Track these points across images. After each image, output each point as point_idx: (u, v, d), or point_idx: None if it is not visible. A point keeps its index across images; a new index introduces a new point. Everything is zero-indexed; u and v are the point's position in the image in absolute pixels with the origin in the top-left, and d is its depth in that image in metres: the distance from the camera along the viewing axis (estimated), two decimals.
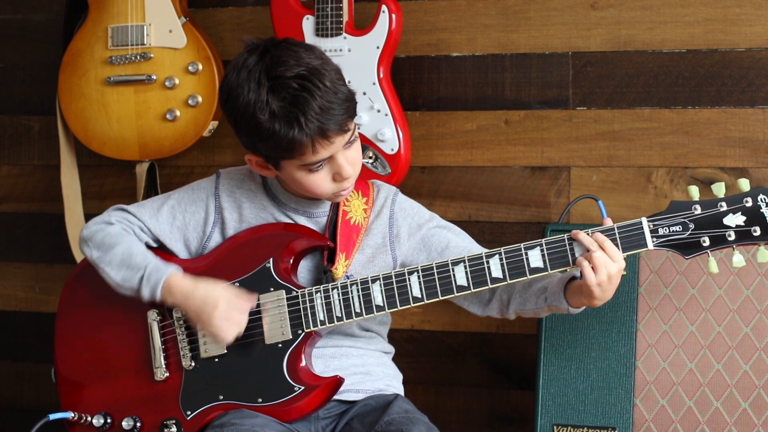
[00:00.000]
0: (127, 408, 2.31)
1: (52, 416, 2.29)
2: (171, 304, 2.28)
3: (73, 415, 2.33)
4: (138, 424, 2.30)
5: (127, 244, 2.30)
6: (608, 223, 2.18)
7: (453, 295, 2.21)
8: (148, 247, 2.35)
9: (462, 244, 2.35)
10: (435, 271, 2.20)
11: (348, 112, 2.17)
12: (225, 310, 2.22)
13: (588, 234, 2.15)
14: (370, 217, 2.36)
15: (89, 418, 2.32)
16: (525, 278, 2.19)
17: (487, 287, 2.19)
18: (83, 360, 2.36)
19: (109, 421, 2.32)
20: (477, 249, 2.34)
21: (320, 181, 2.22)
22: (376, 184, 2.42)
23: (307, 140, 2.13)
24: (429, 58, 3.01)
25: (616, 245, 2.15)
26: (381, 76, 2.87)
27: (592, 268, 2.12)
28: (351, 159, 2.22)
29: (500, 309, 2.33)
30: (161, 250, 2.37)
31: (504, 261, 2.18)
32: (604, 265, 2.12)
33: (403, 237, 2.36)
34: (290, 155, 2.17)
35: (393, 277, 2.22)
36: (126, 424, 2.30)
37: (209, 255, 2.33)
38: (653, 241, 2.14)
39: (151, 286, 2.25)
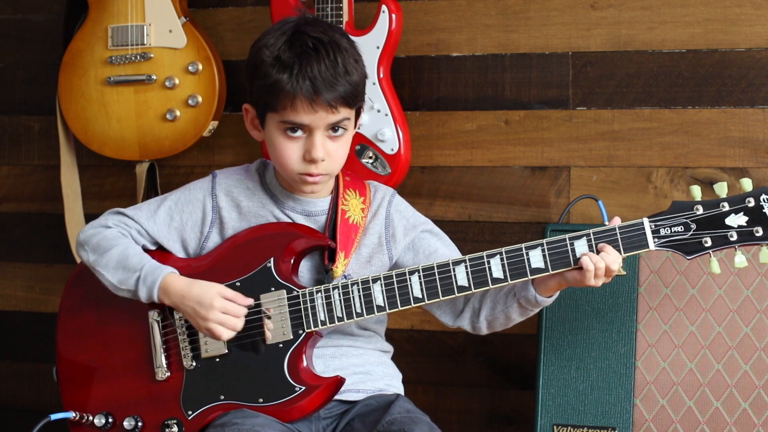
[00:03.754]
0: (129, 408, 2.31)
1: (54, 416, 2.29)
2: (168, 304, 2.28)
3: (74, 414, 2.33)
4: (139, 424, 2.30)
5: (123, 246, 2.30)
6: (617, 221, 2.17)
7: (454, 296, 2.21)
8: (146, 250, 2.35)
9: (449, 254, 2.34)
10: (436, 270, 2.20)
11: (345, 95, 2.19)
12: (221, 305, 2.22)
13: (589, 236, 2.15)
14: (368, 216, 2.36)
15: (91, 418, 2.32)
16: (526, 279, 2.18)
17: (488, 288, 2.19)
18: (85, 360, 2.36)
19: (110, 420, 2.32)
20: None
21: (290, 152, 2.22)
22: (373, 185, 2.42)
23: (290, 90, 2.16)
24: (429, 58, 3.01)
25: (617, 246, 2.14)
26: (381, 76, 2.87)
27: (595, 275, 2.13)
28: (328, 147, 2.22)
29: (471, 319, 2.32)
30: (160, 252, 2.36)
31: (505, 261, 2.18)
32: (607, 267, 2.13)
33: (399, 236, 2.36)
34: (273, 103, 2.19)
35: (394, 277, 2.22)
36: (127, 423, 2.30)
37: (210, 254, 2.33)
38: (655, 242, 2.14)
39: (147, 286, 2.25)
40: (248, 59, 2.26)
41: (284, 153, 2.23)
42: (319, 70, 2.16)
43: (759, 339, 2.50)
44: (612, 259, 2.13)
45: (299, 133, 2.21)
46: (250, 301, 2.25)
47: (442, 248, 2.36)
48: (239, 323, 2.23)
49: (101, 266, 2.30)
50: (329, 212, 2.34)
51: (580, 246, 2.16)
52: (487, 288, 2.19)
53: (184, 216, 2.36)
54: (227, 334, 2.22)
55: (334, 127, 2.22)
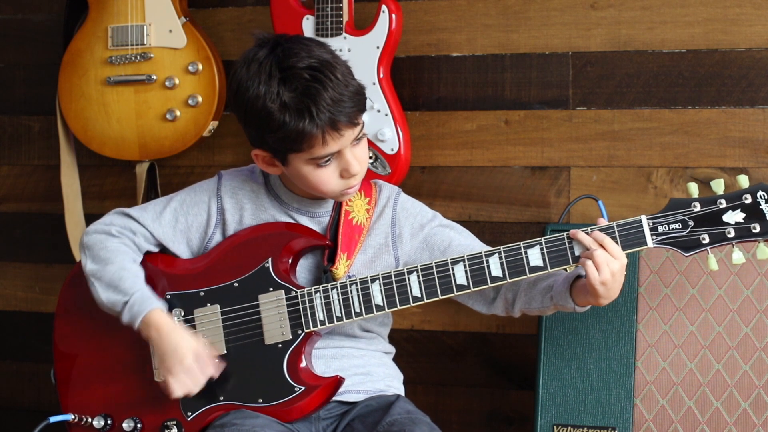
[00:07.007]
0: (128, 409, 2.31)
1: (53, 419, 2.29)
2: (145, 337, 2.27)
3: (73, 417, 2.32)
4: (138, 425, 2.30)
5: (119, 263, 2.28)
6: (603, 222, 2.18)
7: (453, 294, 2.21)
8: (150, 253, 2.36)
9: (465, 242, 2.34)
10: (434, 270, 2.20)
11: (358, 105, 2.17)
12: (189, 365, 2.21)
13: (587, 232, 2.16)
14: (373, 217, 2.36)
15: (89, 420, 2.32)
16: (525, 277, 2.18)
17: (487, 286, 2.19)
18: (83, 361, 2.36)
19: (109, 422, 2.32)
20: (479, 247, 2.33)
21: (327, 178, 2.22)
22: (378, 184, 2.42)
23: (317, 132, 2.13)
24: (429, 58, 3.01)
25: (616, 244, 2.15)
26: (381, 76, 2.87)
27: (595, 266, 2.12)
28: (359, 156, 2.22)
29: (505, 307, 2.32)
30: (162, 255, 2.37)
31: (504, 260, 2.18)
32: (606, 263, 2.11)
33: (406, 237, 2.36)
34: (299, 147, 2.16)
35: (392, 276, 2.22)
36: (126, 425, 2.30)
37: (209, 254, 2.33)
38: (653, 239, 2.14)
39: (132, 315, 2.24)
40: (245, 111, 2.18)
41: (321, 180, 2.22)
42: (331, 98, 2.12)
43: (759, 339, 2.50)
44: (610, 251, 2.12)
45: (330, 159, 2.20)
46: (221, 368, 2.25)
47: (457, 237, 2.35)
48: (201, 383, 2.22)
49: (96, 278, 2.29)
50: (332, 213, 2.34)
51: (579, 244, 2.16)
52: (486, 286, 2.19)
53: (189, 218, 2.35)
54: (182, 391, 2.21)
55: (357, 135, 2.22)
